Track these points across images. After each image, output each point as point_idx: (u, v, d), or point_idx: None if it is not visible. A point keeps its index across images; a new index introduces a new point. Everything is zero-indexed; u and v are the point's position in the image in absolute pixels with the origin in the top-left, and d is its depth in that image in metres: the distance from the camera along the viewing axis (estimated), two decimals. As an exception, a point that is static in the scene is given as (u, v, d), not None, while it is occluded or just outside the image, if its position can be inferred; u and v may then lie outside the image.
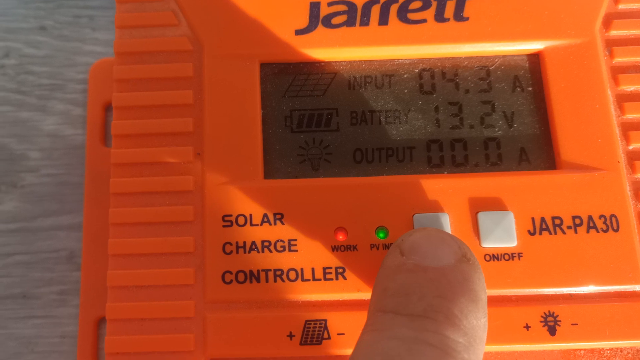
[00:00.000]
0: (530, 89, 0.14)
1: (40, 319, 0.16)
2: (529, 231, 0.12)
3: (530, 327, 0.11)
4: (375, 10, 0.14)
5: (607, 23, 0.14)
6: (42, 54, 0.18)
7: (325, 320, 0.12)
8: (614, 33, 0.14)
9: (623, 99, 0.13)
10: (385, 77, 0.14)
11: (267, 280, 0.12)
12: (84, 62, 0.18)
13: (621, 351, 0.12)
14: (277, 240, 0.12)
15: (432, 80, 0.14)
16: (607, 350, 0.12)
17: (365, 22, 0.14)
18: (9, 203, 0.17)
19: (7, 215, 0.17)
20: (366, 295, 0.12)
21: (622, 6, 0.14)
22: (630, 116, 0.13)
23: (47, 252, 0.16)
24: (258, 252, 0.12)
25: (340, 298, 0.12)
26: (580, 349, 0.12)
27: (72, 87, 0.18)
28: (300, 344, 0.12)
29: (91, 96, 0.18)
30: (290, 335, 0.12)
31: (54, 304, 0.16)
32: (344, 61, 0.14)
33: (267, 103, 0.14)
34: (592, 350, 0.12)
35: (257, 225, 0.12)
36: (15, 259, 0.16)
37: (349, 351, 0.12)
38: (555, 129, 0.13)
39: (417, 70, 0.14)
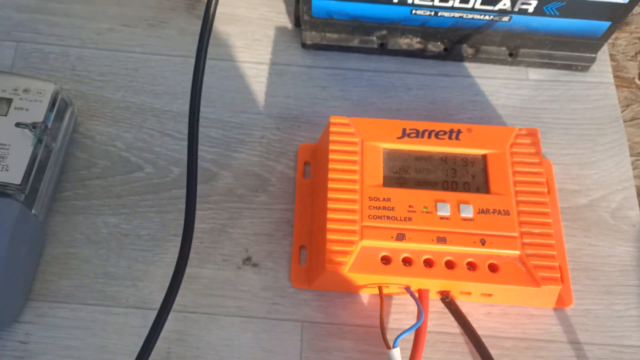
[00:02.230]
0: (481, 167, 0.36)
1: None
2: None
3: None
4: (425, 134, 0.37)
5: (512, 145, 0.37)
6: (279, 139, 0.42)
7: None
8: (515, 150, 0.37)
9: (515, 183, 0.36)
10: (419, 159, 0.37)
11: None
12: (296, 143, 0.42)
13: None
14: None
15: (446, 164, 0.37)
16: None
17: (423, 135, 0.37)
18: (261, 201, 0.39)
19: (262, 204, 0.39)
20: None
21: (519, 140, 0.37)
22: (520, 198, 0.35)
23: (275, 222, 0.39)
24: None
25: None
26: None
27: (291, 153, 0.41)
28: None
29: (299, 158, 0.41)
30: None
31: (283, 240, 0.38)
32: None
33: (387, 165, 0.36)
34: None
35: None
36: (253, 230, 0.39)
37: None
38: (489, 184, 0.35)
39: (439, 158, 0.37)
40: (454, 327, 0.36)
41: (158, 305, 0.33)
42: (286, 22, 0.45)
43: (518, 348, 0.35)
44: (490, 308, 0.36)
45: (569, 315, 0.36)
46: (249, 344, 0.35)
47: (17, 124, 0.36)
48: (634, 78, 0.44)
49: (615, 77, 0.44)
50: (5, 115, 0.36)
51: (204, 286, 0.37)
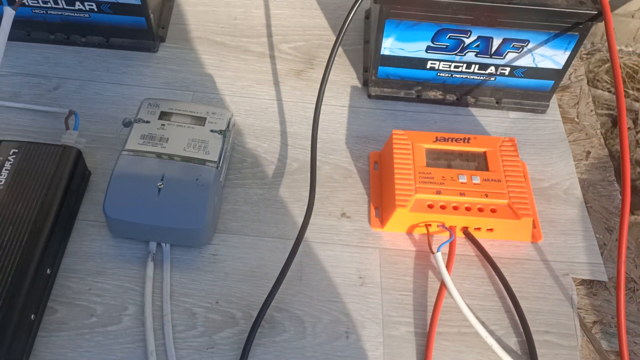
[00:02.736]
0: (483, 157, 0.61)
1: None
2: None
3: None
4: (449, 140, 0.63)
5: (500, 146, 0.62)
6: (357, 149, 0.67)
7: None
8: (502, 148, 0.62)
9: (503, 165, 0.61)
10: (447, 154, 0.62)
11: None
12: (368, 151, 0.67)
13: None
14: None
15: (462, 156, 0.62)
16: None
17: (448, 140, 0.62)
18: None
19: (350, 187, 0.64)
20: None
21: (504, 144, 0.62)
22: (506, 173, 0.60)
23: (355, 195, 0.63)
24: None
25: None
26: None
27: (365, 157, 0.66)
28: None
29: (370, 159, 0.66)
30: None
31: (364, 204, 0.62)
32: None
33: (428, 156, 0.61)
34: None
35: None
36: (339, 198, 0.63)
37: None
38: (488, 165, 0.60)
39: (458, 152, 0.62)
40: (471, 252, 0.59)
41: (292, 237, 0.57)
42: (357, 83, 0.73)
43: (511, 263, 0.58)
44: (492, 242, 0.60)
45: (540, 246, 0.60)
46: (348, 260, 0.58)
47: (211, 130, 0.61)
48: (573, 118, 0.71)
49: (562, 117, 0.71)
50: (204, 125, 0.62)
51: (318, 228, 0.60)
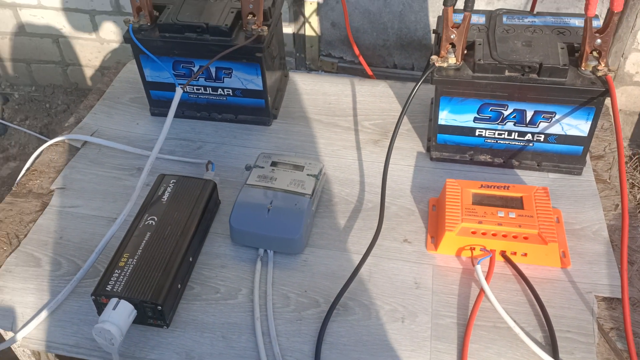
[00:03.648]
0: (520, 200, 0.77)
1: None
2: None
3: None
4: (491, 186, 0.79)
5: (534, 193, 0.77)
6: (420, 195, 0.85)
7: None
8: (536, 195, 0.77)
9: (535, 206, 0.76)
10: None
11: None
12: (428, 197, 0.85)
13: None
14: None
15: (502, 199, 0.78)
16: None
17: (490, 187, 0.79)
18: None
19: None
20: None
21: (538, 191, 0.78)
22: (538, 210, 0.75)
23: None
24: (471, 213, 0.75)
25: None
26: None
27: (425, 202, 0.84)
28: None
29: (430, 203, 0.84)
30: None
31: (422, 234, 0.79)
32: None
33: (474, 198, 0.78)
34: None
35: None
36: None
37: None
38: (523, 205, 0.76)
39: (499, 196, 0.78)
40: (508, 272, 0.73)
41: (362, 252, 0.75)
42: (422, 149, 0.93)
43: (542, 282, 0.71)
44: (527, 266, 0.73)
45: (569, 271, 0.73)
46: (407, 271, 0.74)
47: (307, 174, 0.83)
48: (606, 179, 0.85)
49: (596, 178, 0.85)
50: (302, 171, 0.84)
51: (385, 248, 0.78)
